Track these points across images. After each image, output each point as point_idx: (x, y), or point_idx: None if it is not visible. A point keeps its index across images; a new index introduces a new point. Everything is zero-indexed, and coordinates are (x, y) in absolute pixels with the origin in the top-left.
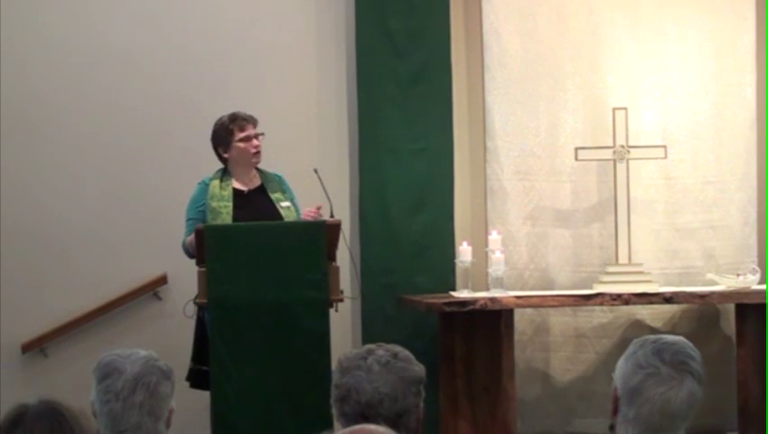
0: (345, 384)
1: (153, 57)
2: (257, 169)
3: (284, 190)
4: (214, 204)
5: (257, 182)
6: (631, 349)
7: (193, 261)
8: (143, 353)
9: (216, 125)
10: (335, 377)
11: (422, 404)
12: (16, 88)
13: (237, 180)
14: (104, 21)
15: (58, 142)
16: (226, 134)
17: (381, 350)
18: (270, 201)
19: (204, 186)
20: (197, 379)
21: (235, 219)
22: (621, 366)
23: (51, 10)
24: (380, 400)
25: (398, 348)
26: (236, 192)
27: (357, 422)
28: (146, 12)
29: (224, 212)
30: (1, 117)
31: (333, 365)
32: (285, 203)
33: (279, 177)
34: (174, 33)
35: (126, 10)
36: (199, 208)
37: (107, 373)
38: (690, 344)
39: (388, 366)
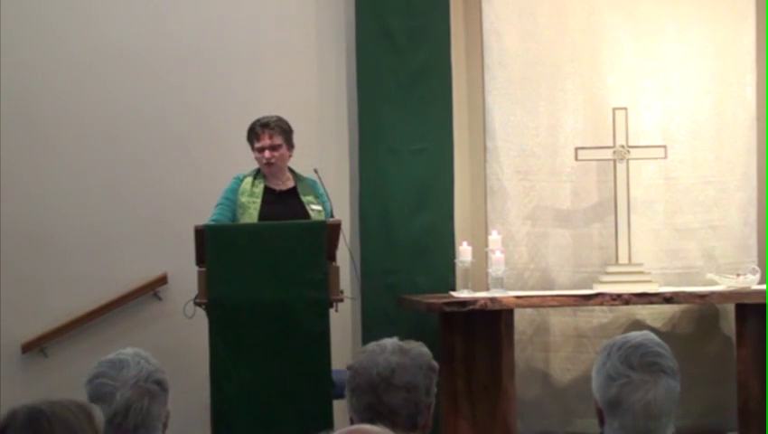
0: (358, 361)
1: (153, 57)
2: (293, 172)
3: (316, 195)
4: (244, 199)
5: (290, 184)
6: (600, 360)
7: (193, 261)
8: (133, 369)
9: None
10: (350, 363)
11: (433, 397)
12: (17, 86)
13: (270, 180)
14: (104, 20)
15: (58, 142)
16: (250, 140)
17: (396, 339)
18: (301, 202)
19: (238, 181)
20: None
21: (262, 215)
22: (594, 379)
23: (51, 9)
24: (392, 371)
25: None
26: (268, 189)
27: (367, 396)
28: (147, 12)
29: (252, 207)
30: (1, 117)
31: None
32: (317, 207)
33: (314, 182)
34: (175, 33)
35: (126, 10)
36: (229, 197)
37: (97, 397)
38: (656, 340)
39: (402, 348)
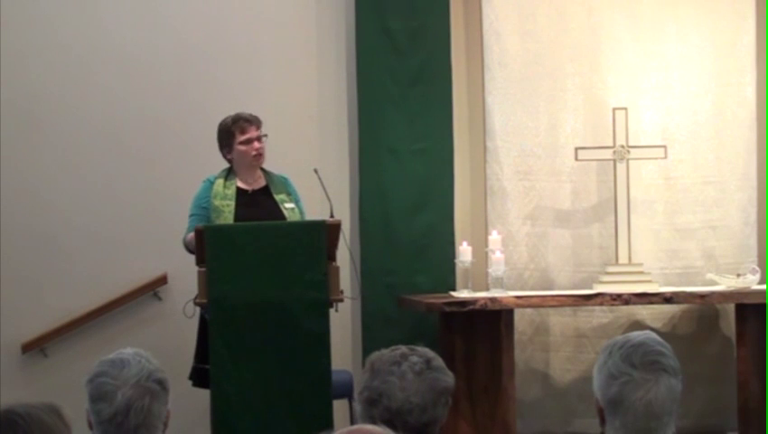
0: (376, 388)
1: (154, 57)
2: (263, 170)
3: (289, 192)
4: (217, 202)
5: (261, 182)
6: (601, 358)
7: (193, 261)
8: (134, 368)
9: (219, 126)
10: (365, 377)
11: (447, 412)
12: (17, 85)
13: (241, 180)
14: (104, 21)
15: (58, 141)
16: (228, 136)
17: (415, 356)
18: (274, 201)
19: (209, 184)
20: (200, 378)
21: (237, 218)
22: (596, 378)
23: (52, 8)
24: (410, 410)
25: (431, 354)
26: (240, 191)
27: (384, 425)
28: (148, 12)
29: (226, 210)
30: (1, 116)
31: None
32: (290, 205)
33: (285, 179)
34: (175, 33)
35: (127, 10)
36: (202, 205)
37: (98, 396)
38: (658, 339)
39: (421, 375)
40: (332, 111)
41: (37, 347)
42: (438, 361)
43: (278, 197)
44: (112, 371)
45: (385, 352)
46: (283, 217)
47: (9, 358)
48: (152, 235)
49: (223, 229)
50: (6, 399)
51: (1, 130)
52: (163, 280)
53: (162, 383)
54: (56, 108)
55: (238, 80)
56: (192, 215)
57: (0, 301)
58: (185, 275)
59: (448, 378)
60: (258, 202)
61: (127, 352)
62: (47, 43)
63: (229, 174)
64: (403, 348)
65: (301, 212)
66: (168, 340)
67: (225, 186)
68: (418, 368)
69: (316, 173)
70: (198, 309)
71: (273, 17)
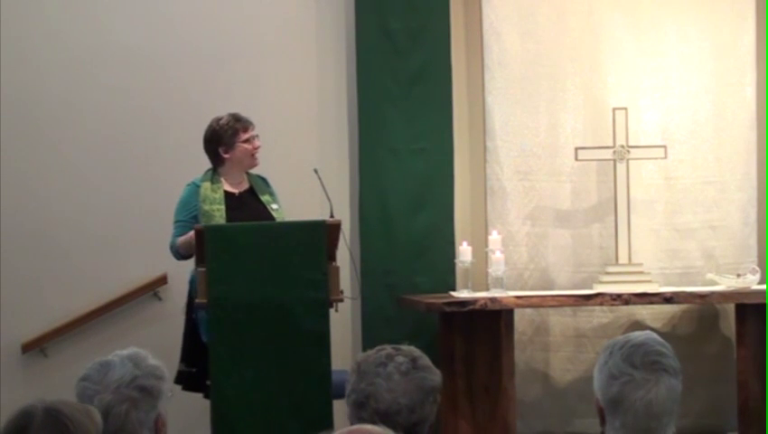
0: (363, 391)
1: (154, 57)
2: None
3: (271, 192)
4: (206, 207)
5: (245, 184)
6: (601, 359)
7: (193, 262)
8: (118, 373)
9: (217, 124)
10: (352, 379)
11: (435, 410)
12: (17, 86)
13: (227, 182)
14: (104, 21)
15: (59, 142)
16: (231, 133)
17: (401, 356)
18: (261, 203)
19: (195, 188)
20: (187, 381)
21: (228, 221)
22: (596, 378)
23: (52, 9)
24: (398, 411)
25: (417, 352)
26: (227, 194)
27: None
28: (147, 12)
29: (217, 215)
30: (1, 117)
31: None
32: (275, 205)
33: (264, 179)
34: (175, 33)
35: (127, 10)
36: (190, 211)
37: (80, 400)
38: (659, 339)
39: (408, 376)
40: (332, 111)
41: (37, 347)
42: (424, 359)
43: (264, 198)
44: (96, 375)
45: (370, 353)
46: (271, 218)
47: (9, 358)
48: (152, 235)
49: (223, 229)
50: (6, 399)
51: (1, 130)
52: (163, 280)
53: (145, 390)
54: (56, 108)
55: (238, 79)
56: (178, 221)
57: (0, 301)
58: (185, 275)
59: (435, 376)
60: (247, 205)
61: (120, 353)
62: (47, 43)
63: (213, 175)
64: (388, 348)
65: (280, 211)
66: (168, 340)
67: (212, 190)
68: (404, 368)
69: (316, 173)
70: (185, 310)
71: (273, 17)
